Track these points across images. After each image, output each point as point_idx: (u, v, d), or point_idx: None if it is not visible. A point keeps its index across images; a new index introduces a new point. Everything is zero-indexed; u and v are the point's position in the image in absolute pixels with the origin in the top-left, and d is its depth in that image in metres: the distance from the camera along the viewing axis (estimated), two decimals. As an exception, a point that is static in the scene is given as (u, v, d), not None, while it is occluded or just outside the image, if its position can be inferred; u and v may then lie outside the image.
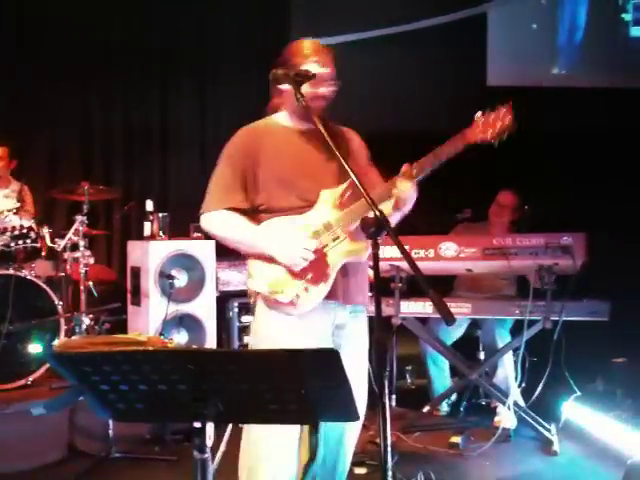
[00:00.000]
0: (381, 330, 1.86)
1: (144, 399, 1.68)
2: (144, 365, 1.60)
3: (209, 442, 1.75)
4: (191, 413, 1.68)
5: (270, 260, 2.45)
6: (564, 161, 5.85)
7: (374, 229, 1.91)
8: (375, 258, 1.90)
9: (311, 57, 2.49)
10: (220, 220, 2.53)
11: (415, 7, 6.21)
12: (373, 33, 6.36)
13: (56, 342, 1.49)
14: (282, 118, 2.62)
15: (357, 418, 1.68)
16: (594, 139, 5.82)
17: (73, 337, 1.57)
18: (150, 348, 1.50)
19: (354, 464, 3.66)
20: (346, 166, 2.13)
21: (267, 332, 2.49)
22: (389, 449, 1.90)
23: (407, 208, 2.44)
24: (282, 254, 2.42)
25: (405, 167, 2.42)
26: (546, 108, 6.02)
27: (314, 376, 1.57)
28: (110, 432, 3.85)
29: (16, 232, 4.04)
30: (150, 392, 1.65)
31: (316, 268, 2.42)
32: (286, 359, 1.60)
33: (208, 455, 1.77)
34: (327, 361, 1.54)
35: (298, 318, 2.45)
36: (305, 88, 2.40)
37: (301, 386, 1.59)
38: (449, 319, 1.71)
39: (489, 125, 2.34)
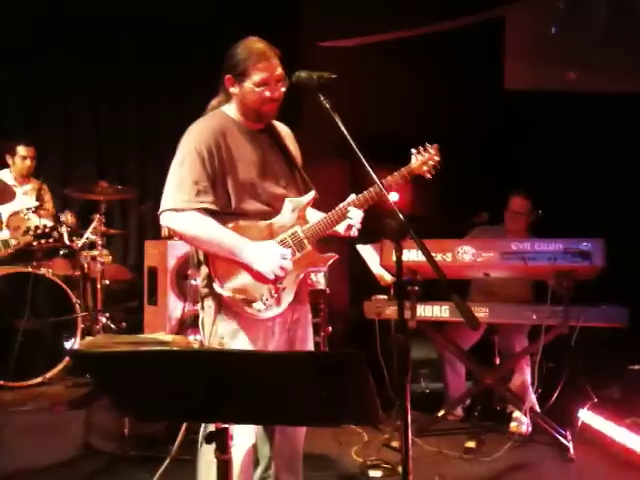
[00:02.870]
0: (402, 333, 1.86)
1: (166, 399, 1.69)
2: (168, 365, 1.61)
3: (231, 442, 1.76)
4: (213, 413, 1.69)
5: (239, 264, 2.49)
6: (581, 166, 5.82)
7: (397, 233, 1.92)
8: (398, 262, 1.90)
9: (262, 60, 2.51)
10: (191, 220, 2.48)
11: (432, 9, 6.18)
12: (389, 35, 6.35)
13: (82, 341, 1.51)
14: (232, 114, 2.63)
15: (378, 421, 1.69)
16: (612, 144, 5.79)
17: (98, 336, 1.60)
18: (175, 348, 1.50)
19: (369, 467, 3.69)
20: (371, 172, 2.13)
21: (232, 333, 2.50)
22: (410, 452, 1.89)
23: (355, 233, 2.68)
24: (263, 264, 2.47)
25: (354, 197, 2.64)
26: (563, 112, 6.00)
27: (336, 378, 1.56)
28: (125, 431, 3.86)
29: (39, 231, 4.08)
30: (173, 392, 1.66)
31: (284, 277, 2.53)
32: (307, 361, 1.60)
33: (230, 455, 1.78)
34: (349, 363, 1.54)
35: (264, 320, 2.52)
36: (258, 91, 2.50)
37: (322, 388, 1.59)
38: (474, 324, 1.71)
39: (424, 162, 2.74)
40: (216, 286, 2.49)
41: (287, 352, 2.16)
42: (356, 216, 2.62)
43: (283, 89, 2.56)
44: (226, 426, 1.73)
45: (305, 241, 2.59)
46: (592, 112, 5.86)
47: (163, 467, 2.79)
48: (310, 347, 2.77)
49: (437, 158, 2.78)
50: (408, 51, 6.22)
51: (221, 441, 1.76)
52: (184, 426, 2.63)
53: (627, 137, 5.79)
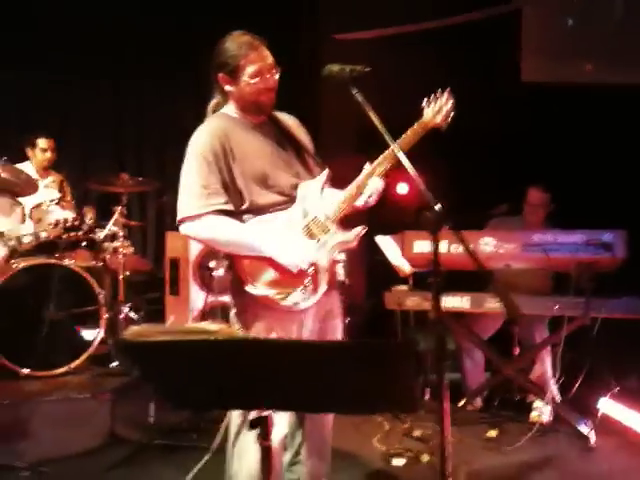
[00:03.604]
0: (440, 323, 1.88)
1: (210, 387, 1.72)
2: (215, 354, 1.64)
3: (274, 430, 1.80)
4: (258, 401, 1.72)
5: (265, 261, 2.46)
6: (599, 157, 5.82)
7: (434, 224, 1.94)
8: (435, 253, 1.93)
9: (252, 51, 2.51)
10: (208, 224, 2.47)
11: (450, 3, 6.19)
12: (406, 28, 6.35)
13: (127, 330, 1.53)
14: (234, 113, 2.62)
15: (416, 410, 1.72)
16: (631, 136, 5.78)
17: (143, 325, 1.61)
18: (221, 337, 1.54)
19: (392, 456, 3.73)
20: (392, 143, 2.15)
21: (266, 329, 2.48)
22: (448, 440, 1.91)
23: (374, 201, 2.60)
24: (287, 256, 2.45)
25: (369, 165, 2.57)
26: (580, 104, 5.99)
27: (377, 367, 1.59)
28: (151, 419, 3.91)
29: (68, 224, 4.13)
30: (217, 380, 1.69)
31: (314, 264, 2.49)
32: (351, 350, 1.63)
33: (271, 442, 1.82)
34: (401, 353, 1.56)
35: (297, 312, 2.49)
36: (254, 82, 2.49)
37: (364, 377, 1.61)
38: (515, 315, 1.73)
39: (437, 112, 2.62)
40: (247, 286, 2.47)
41: (336, 341, 2.18)
42: (376, 185, 2.57)
43: (277, 76, 2.56)
44: (268, 413, 1.77)
45: (328, 223, 2.55)
46: (610, 103, 5.84)
47: (204, 461, 2.81)
48: (340, 337, 2.74)
49: (450, 102, 2.64)
50: (424, 44, 6.22)
51: (263, 428, 1.79)
52: (226, 416, 2.64)
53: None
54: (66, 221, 4.15)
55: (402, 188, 6.14)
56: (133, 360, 1.72)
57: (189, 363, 1.64)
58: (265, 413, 1.75)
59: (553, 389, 4.18)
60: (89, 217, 4.71)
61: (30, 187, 4.59)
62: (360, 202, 2.57)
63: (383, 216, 2.86)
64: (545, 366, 4.30)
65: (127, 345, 1.71)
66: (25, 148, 5.42)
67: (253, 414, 1.79)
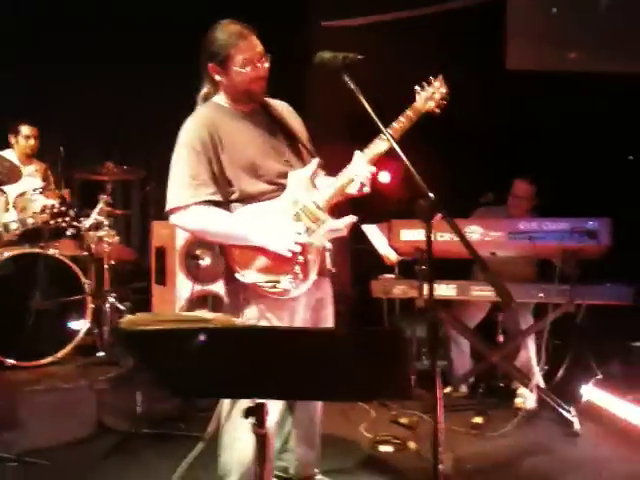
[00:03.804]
0: (434, 312, 1.90)
1: (207, 376, 1.73)
2: (212, 342, 1.64)
3: (268, 418, 1.81)
4: (254, 389, 1.73)
5: (255, 249, 2.47)
6: (584, 144, 5.86)
7: (428, 212, 1.95)
8: (428, 241, 1.94)
9: (242, 40, 2.51)
10: (196, 215, 2.49)
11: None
12: (391, 15, 6.35)
13: (123, 319, 1.53)
14: (224, 102, 2.63)
15: (411, 397, 1.73)
16: (613, 123, 5.83)
17: (138, 314, 1.61)
18: (220, 326, 1.54)
19: (379, 443, 3.75)
20: (382, 128, 2.16)
21: (258, 317, 2.50)
22: (441, 428, 1.93)
23: (367, 190, 2.57)
24: (277, 243, 2.46)
25: (360, 152, 2.56)
26: (565, 92, 6.02)
27: (373, 355, 1.60)
28: (138, 409, 3.90)
29: (55, 210, 4.10)
30: (214, 369, 1.70)
31: (304, 252, 2.49)
32: (347, 339, 1.64)
33: (266, 430, 1.83)
34: (391, 340, 1.58)
35: (288, 300, 2.50)
36: (244, 71, 2.49)
37: (360, 365, 1.63)
38: (509, 302, 1.75)
39: (429, 98, 2.62)
40: (238, 275, 2.49)
41: (330, 329, 2.19)
42: (368, 172, 2.54)
43: (267, 65, 2.57)
44: (263, 402, 1.78)
45: (318, 211, 2.54)
46: (597, 92, 5.87)
47: (197, 451, 2.82)
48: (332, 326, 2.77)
49: (443, 90, 2.64)
50: (410, 31, 6.22)
51: (258, 416, 1.80)
52: (218, 405, 2.66)
53: (629, 115, 5.83)
54: (53, 207, 4.12)
55: (385, 177, 6.14)
56: (132, 349, 1.72)
57: (188, 351, 1.64)
58: (260, 401, 1.76)
59: (537, 376, 4.22)
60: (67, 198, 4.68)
61: (14, 175, 4.54)
62: (354, 190, 2.56)
63: (366, 204, 2.86)
64: (529, 353, 4.35)
65: (127, 334, 1.70)
66: (8, 135, 5.35)
67: (245, 402, 1.80)
